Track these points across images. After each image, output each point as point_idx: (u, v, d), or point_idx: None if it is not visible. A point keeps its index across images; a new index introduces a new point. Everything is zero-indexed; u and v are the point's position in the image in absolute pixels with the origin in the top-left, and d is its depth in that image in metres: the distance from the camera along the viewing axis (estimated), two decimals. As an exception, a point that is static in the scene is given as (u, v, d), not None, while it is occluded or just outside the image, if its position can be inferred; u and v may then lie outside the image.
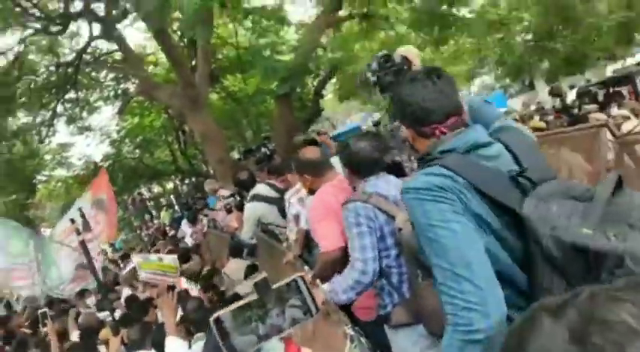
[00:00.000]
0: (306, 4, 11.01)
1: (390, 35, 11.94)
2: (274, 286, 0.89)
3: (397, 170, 2.59)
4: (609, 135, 4.46)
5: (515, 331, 0.63)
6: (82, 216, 3.81)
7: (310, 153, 2.79)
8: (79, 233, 3.34)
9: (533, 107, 17.29)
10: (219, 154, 7.36)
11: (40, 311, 3.88)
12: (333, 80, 11.78)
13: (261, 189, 4.26)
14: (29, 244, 4.29)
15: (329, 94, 14.55)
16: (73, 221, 3.62)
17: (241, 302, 0.88)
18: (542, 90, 21.75)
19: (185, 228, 7.65)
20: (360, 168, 2.30)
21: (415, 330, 2.02)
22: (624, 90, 9.53)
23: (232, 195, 4.90)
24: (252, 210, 4.17)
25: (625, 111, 6.01)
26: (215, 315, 0.87)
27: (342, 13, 10.06)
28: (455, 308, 1.15)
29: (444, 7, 9.44)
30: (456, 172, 1.23)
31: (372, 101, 14.73)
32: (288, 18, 11.48)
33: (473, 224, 1.20)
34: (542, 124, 6.72)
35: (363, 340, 2.19)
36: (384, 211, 2.15)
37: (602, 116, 6.05)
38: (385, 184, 2.27)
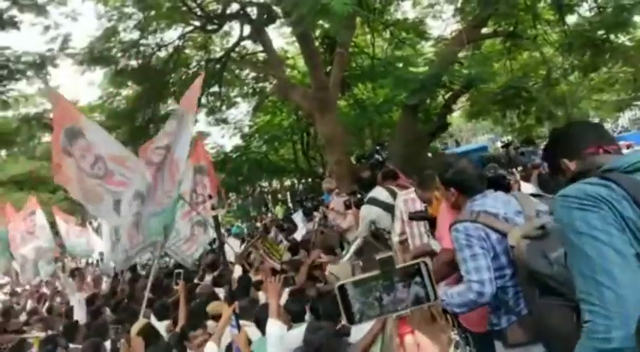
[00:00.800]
0: (449, 19, 10.85)
1: (533, 56, 11.33)
2: (398, 266, 0.91)
3: (501, 185, 2.50)
4: None
5: None
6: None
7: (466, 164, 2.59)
8: (213, 208, 3.66)
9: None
10: (338, 156, 7.57)
11: (176, 270, 4.36)
12: (465, 97, 11.48)
13: (379, 193, 4.31)
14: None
15: (457, 111, 14.16)
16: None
17: (367, 274, 0.90)
18: None
19: (298, 221, 7.96)
20: (466, 186, 2.27)
21: (531, 350, 1.96)
22: None
23: (353, 193, 5.03)
24: (368, 211, 4.24)
25: None
26: (339, 283, 0.90)
27: (486, 29, 9.78)
28: (593, 315, 1.14)
29: (601, 32, 8.71)
30: (615, 182, 1.23)
31: (503, 123, 14.04)
32: (428, 32, 11.48)
33: (626, 234, 1.18)
34: None
35: (468, 349, 2.14)
36: (495, 229, 2.08)
37: None
38: (493, 201, 2.20)
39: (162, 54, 11.82)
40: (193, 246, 6.05)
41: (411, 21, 11.25)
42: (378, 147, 5.11)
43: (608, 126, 24.86)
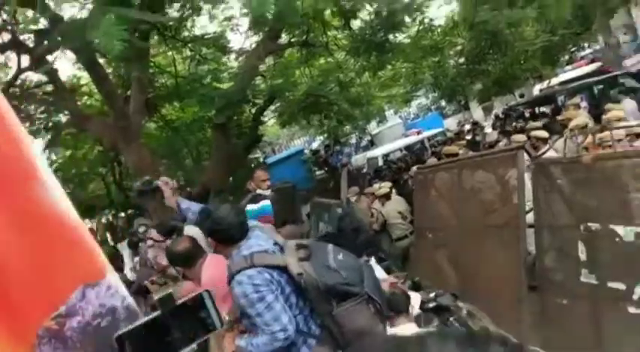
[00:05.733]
0: (247, 32, 10.96)
1: (329, 61, 12.13)
2: (179, 302, 0.89)
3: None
4: (527, 156, 4.66)
5: None
6: None
7: (181, 244, 2.73)
8: None
9: (467, 126, 18.18)
10: (152, 184, 7.02)
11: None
12: (276, 106, 11.80)
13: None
14: None
15: (270, 120, 14.53)
16: None
17: (144, 319, 0.88)
18: (476, 110, 22.90)
19: (126, 256, 7.29)
20: (224, 236, 2.23)
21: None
22: (547, 109, 10.12)
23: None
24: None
25: (542, 132, 6.27)
26: (116, 334, 0.85)
27: (282, 40, 10.11)
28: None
29: (381, 34, 9.70)
30: None
31: (314, 125, 14.84)
32: (230, 45, 11.45)
33: None
34: (456, 149, 6.99)
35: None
36: (273, 266, 2.09)
37: (522, 137, 6.35)
38: (256, 240, 2.22)
39: None
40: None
41: (211, 36, 11.11)
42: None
43: (401, 115, 28.12)
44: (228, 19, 12.14)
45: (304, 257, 1.96)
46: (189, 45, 10.42)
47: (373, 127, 25.80)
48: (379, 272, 4.38)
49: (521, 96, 18.07)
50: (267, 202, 4.09)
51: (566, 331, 4.35)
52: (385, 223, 7.27)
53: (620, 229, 3.91)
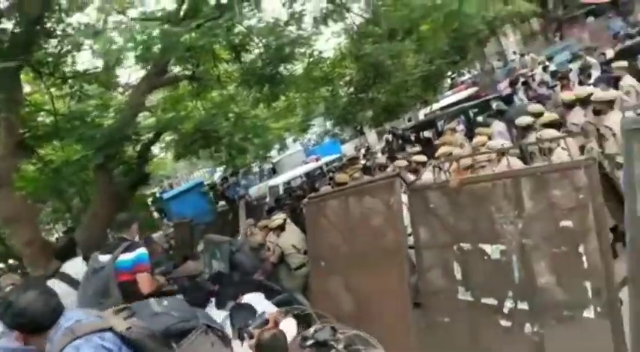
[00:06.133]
0: (132, 66, 10.57)
1: (222, 94, 12.06)
2: None
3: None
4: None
5: None
6: None
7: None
8: None
9: (363, 150, 18.99)
10: (29, 235, 6.41)
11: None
12: (170, 139, 11.44)
13: (74, 265, 3.85)
14: None
15: (166, 154, 14.06)
16: None
17: None
18: (371, 135, 24.00)
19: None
20: (31, 327, 1.95)
21: None
22: (429, 133, 10.88)
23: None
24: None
25: (421, 157, 6.72)
26: None
27: (170, 74, 9.88)
28: None
29: (271, 67, 9.84)
30: None
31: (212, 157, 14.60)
32: (114, 80, 10.96)
33: None
34: (345, 178, 7.29)
35: None
36: (98, 330, 1.94)
37: (402, 163, 6.76)
38: (72, 313, 2.06)
39: None
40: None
41: (93, 71, 10.57)
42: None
43: (303, 142, 28.63)
44: (113, 54, 11.68)
45: (128, 315, 1.88)
46: (70, 81, 9.82)
47: (275, 155, 26.01)
48: (265, 306, 4.35)
49: (409, 120, 19.31)
50: (143, 250, 3.93)
51: (449, 347, 4.59)
52: (282, 254, 7.26)
53: (487, 248, 4.24)
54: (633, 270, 3.19)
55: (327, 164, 17.12)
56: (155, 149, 12.13)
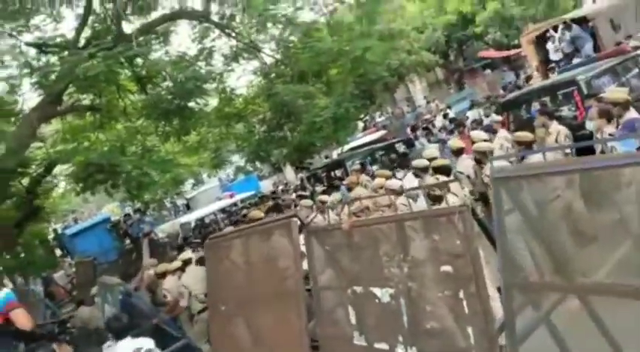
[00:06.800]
0: (26, 94, 9.85)
1: (129, 126, 11.56)
2: None
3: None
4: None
5: None
6: None
7: None
8: None
9: (280, 187, 19.00)
10: None
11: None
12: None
13: None
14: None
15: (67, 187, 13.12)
16: None
17: None
18: (289, 172, 24.11)
19: None
20: None
21: None
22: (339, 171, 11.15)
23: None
24: None
25: (325, 197, 6.85)
26: None
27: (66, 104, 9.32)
28: None
29: (177, 101, 9.62)
30: None
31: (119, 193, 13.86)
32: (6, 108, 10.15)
33: None
34: (260, 214, 7.24)
35: None
36: None
37: (308, 202, 6.83)
38: None
39: None
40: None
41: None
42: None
43: (221, 178, 28.09)
44: (7, 79, 10.91)
45: None
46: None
47: (189, 191, 25.20)
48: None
49: (327, 157, 19.69)
50: (6, 289, 3.76)
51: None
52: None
53: (378, 291, 4.27)
54: (508, 315, 3.33)
55: (242, 201, 16.92)
56: (62, 182, 11.37)
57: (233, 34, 11.30)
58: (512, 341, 3.16)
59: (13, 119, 10.18)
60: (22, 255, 12.26)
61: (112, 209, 29.09)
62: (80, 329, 6.63)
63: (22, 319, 3.81)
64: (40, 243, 13.60)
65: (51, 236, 17.01)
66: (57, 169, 9.71)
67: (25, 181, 8.31)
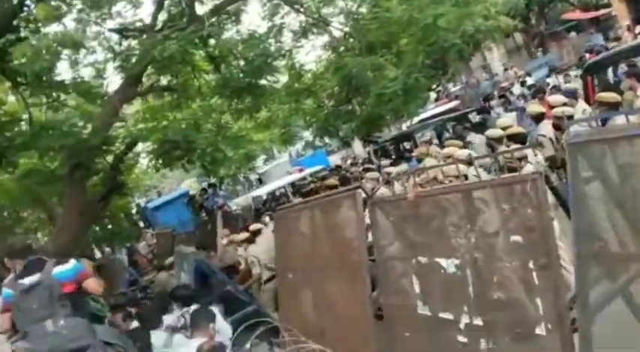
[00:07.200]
0: (111, 77, 10.58)
1: (204, 104, 12.02)
2: None
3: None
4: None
5: None
6: None
7: None
8: None
9: (349, 161, 19.03)
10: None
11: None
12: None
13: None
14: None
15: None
16: None
17: None
18: (357, 146, 24.05)
19: None
20: None
21: None
22: (408, 144, 10.91)
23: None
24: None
25: (392, 169, 6.75)
26: None
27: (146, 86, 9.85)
28: None
29: (248, 79, 9.84)
30: None
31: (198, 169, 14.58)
32: (93, 91, 10.92)
33: None
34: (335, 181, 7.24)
35: None
36: None
37: (375, 175, 6.77)
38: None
39: None
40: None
41: (71, 81, 10.53)
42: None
43: (291, 153, 28.64)
44: (93, 64, 11.72)
45: (18, 338, 1.88)
46: (46, 91, 9.79)
47: (262, 166, 25.98)
48: (220, 324, 4.30)
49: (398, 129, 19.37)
50: (73, 260, 4.04)
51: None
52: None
53: (443, 261, 4.21)
54: (582, 286, 3.17)
55: (311, 174, 17.15)
56: (144, 159, 12.12)
57: (302, 10, 11.29)
58: (585, 313, 3.01)
59: (99, 101, 10.98)
60: (109, 226, 13.36)
61: (189, 184, 30.59)
62: (158, 293, 7.15)
63: (93, 286, 4.13)
64: (124, 216, 14.73)
65: (134, 209, 18.33)
66: (138, 147, 10.36)
67: (110, 159, 8.91)
